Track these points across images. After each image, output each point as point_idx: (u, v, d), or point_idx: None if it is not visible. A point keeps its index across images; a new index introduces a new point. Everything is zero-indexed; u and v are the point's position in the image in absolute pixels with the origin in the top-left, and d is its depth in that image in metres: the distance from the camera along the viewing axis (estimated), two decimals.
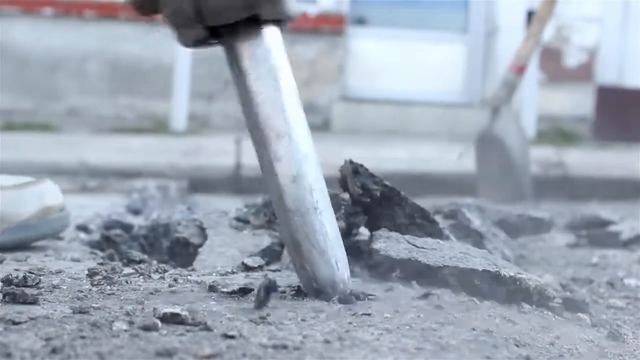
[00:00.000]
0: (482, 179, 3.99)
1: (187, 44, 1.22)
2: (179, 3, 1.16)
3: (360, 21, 8.32)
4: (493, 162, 3.93)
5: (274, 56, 1.23)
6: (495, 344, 1.03)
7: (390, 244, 1.42)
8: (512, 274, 1.35)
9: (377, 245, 1.42)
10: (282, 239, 1.21)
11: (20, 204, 1.69)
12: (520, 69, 3.96)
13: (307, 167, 1.21)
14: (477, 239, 1.80)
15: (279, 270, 1.47)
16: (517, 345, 1.04)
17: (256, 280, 1.38)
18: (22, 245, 1.64)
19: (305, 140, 1.23)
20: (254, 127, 1.22)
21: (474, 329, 1.07)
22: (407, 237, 1.45)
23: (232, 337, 1.00)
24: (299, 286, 1.29)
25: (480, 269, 1.34)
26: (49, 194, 1.74)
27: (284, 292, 1.27)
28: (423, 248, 1.40)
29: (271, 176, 1.21)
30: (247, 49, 1.21)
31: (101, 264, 1.55)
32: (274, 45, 1.24)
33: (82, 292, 1.25)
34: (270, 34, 1.24)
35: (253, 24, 1.20)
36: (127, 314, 1.09)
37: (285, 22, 1.25)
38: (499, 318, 1.21)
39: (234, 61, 1.23)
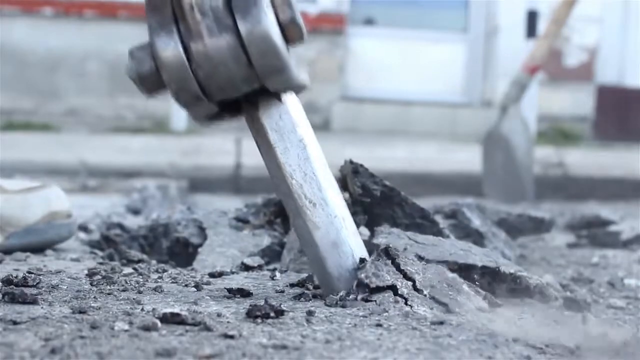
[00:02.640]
0: (488, 177, 4.00)
1: (199, 120, 1.21)
2: (183, 81, 1.14)
3: (361, 21, 8.32)
4: (498, 160, 3.95)
5: (297, 123, 1.22)
6: (495, 343, 1.02)
7: (392, 239, 1.42)
8: (511, 271, 1.35)
9: (378, 240, 1.42)
10: (324, 294, 1.21)
11: (26, 208, 1.69)
12: (533, 70, 3.97)
13: (345, 232, 1.21)
14: (477, 238, 1.80)
15: (283, 271, 1.47)
16: (517, 345, 1.04)
17: (256, 279, 1.38)
18: (28, 250, 1.64)
19: (339, 204, 1.23)
20: (288, 198, 1.22)
21: (474, 329, 1.06)
22: (408, 233, 1.45)
23: (231, 337, 1.00)
24: (299, 286, 1.29)
25: (480, 265, 1.34)
26: (55, 199, 1.74)
27: (282, 291, 1.27)
28: (423, 244, 1.40)
29: (311, 245, 1.21)
30: (267, 121, 1.21)
31: (101, 263, 1.55)
32: (293, 111, 1.22)
33: (81, 292, 1.25)
34: (286, 97, 1.22)
35: (265, 93, 1.19)
36: (127, 313, 1.09)
37: (298, 89, 1.23)
38: (499, 317, 1.21)
39: (258, 134, 1.22)
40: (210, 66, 1.13)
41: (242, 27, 1.12)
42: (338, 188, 1.26)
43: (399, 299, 1.15)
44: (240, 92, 1.16)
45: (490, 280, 1.35)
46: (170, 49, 1.14)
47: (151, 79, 1.17)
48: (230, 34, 1.12)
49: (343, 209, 1.23)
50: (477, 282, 1.32)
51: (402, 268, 1.19)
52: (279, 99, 1.21)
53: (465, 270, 1.33)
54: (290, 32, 1.16)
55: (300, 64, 1.23)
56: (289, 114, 1.22)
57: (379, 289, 1.17)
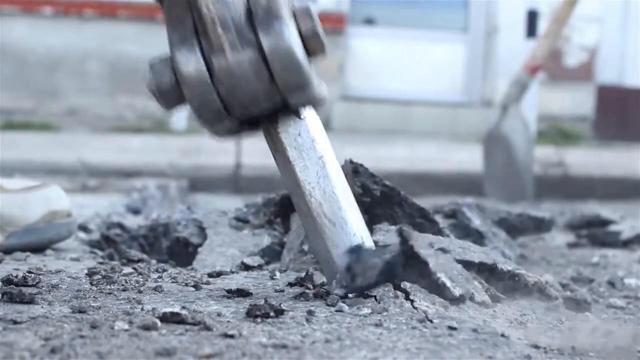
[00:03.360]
0: (488, 176, 4.00)
1: (220, 135, 1.20)
2: (205, 97, 1.12)
3: (361, 21, 8.32)
4: (498, 160, 3.95)
5: (316, 140, 1.21)
6: (496, 342, 1.02)
7: (389, 236, 1.42)
8: (509, 268, 1.35)
9: (376, 237, 1.42)
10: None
11: (26, 208, 1.69)
12: (534, 69, 3.97)
13: None
14: (477, 238, 1.80)
15: (283, 271, 1.47)
16: (518, 345, 1.04)
17: (256, 279, 1.38)
18: (28, 249, 1.64)
19: (359, 222, 1.22)
20: (307, 217, 1.21)
21: (475, 327, 1.06)
22: None
23: (231, 336, 1.00)
24: (299, 285, 1.29)
25: (477, 261, 1.34)
26: (55, 198, 1.74)
27: (282, 291, 1.27)
28: None
29: (329, 264, 1.20)
30: (286, 137, 1.19)
31: (101, 263, 1.55)
32: (312, 127, 1.21)
33: (81, 291, 1.25)
34: (305, 112, 1.21)
35: (284, 108, 1.18)
36: (127, 313, 1.09)
37: (319, 104, 1.22)
38: (500, 317, 1.21)
39: (277, 150, 1.21)
40: (233, 82, 1.12)
41: (265, 42, 1.10)
42: (357, 205, 1.25)
43: (399, 293, 1.15)
44: (261, 108, 1.15)
45: (488, 277, 1.35)
46: (192, 64, 1.12)
47: (171, 94, 1.15)
48: (252, 49, 1.11)
49: (362, 228, 1.23)
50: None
51: (415, 250, 1.19)
52: (298, 115, 1.20)
53: (464, 266, 1.33)
54: (312, 45, 1.15)
55: (319, 78, 1.22)
56: (308, 131, 1.20)
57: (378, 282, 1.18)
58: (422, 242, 1.23)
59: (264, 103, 1.14)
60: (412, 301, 1.14)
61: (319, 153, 1.20)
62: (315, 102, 1.20)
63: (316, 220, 1.19)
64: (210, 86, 1.12)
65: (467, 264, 1.34)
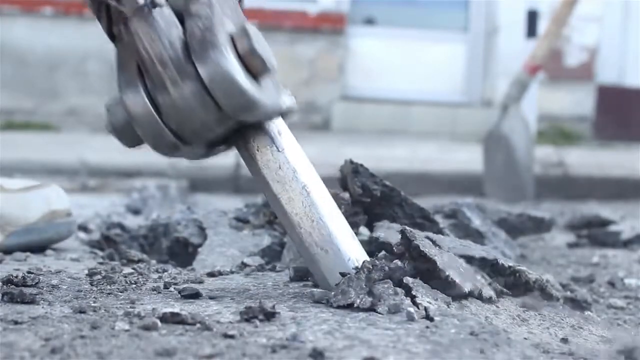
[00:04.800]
0: (488, 176, 4.00)
1: (193, 159, 1.23)
2: (157, 134, 1.15)
3: (361, 21, 8.32)
4: (499, 160, 3.95)
5: (297, 169, 1.21)
6: (496, 342, 1.02)
7: (390, 233, 1.42)
8: (510, 264, 1.35)
9: (377, 233, 1.42)
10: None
11: (26, 207, 1.69)
12: (534, 69, 3.97)
13: None
14: (477, 238, 1.80)
15: (279, 270, 1.47)
16: (519, 344, 1.03)
17: (256, 279, 1.38)
18: (28, 249, 1.64)
19: (352, 245, 1.23)
20: (300, 246, 1.22)
21: (476, 325, 1.06)
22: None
23: (231, 336, 1.00)
24: (298, 285, 1.29)
25: (478, 257, 1.34)
26: (55, 198, 1.74)
27: (282, 291, 1.27)
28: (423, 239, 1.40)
29: (326, 287, 1.21)
30: (268, 173, 1.21)
31: (101, 263, 1.55)
32: (292, 158, 1.22)
33: (81, 291, 1.25)
34: (283, 140, 1.22)
35: (254, 129, 1.20)
36: (127, 313, 1.09)
37: (282, 116, 1.23)
38: (502, 313, 1.21)
39: (260, 183, 1.23)
40: (180, 115, 1.14)
41: (203, 72, 1.12)
42: (348, 226, 1.25)
43: (399, 290, 1.15)
44: (217, 133, 1.17)
45: (489, 273, 1.35)
46: (138, 104, 1.15)
47: (128, 132, 1.18)
48: (192, 81, 1.12)
49: (357, 250, 1.23)
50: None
51: (422, 250, 1.19)
52: (275, 147, 1.21)
53: (466, 261, 1.33)
54: (251, 64, 1.15)
55: (280, 90, 1.22)
56: (288, 162, 1.21)
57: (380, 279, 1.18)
58: (426, 242, 1.23)
59: (218, 129, 1.16)
60: (413, 297, 1.14)
61: (301, 183, 1.21)
62: (272, 117, 1.21)
63: (308, 250, 1.21)
64: (159, 123, 1.15)
65: (469, 260, 1.34)
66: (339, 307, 1.14)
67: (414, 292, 1.15)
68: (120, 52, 1.18)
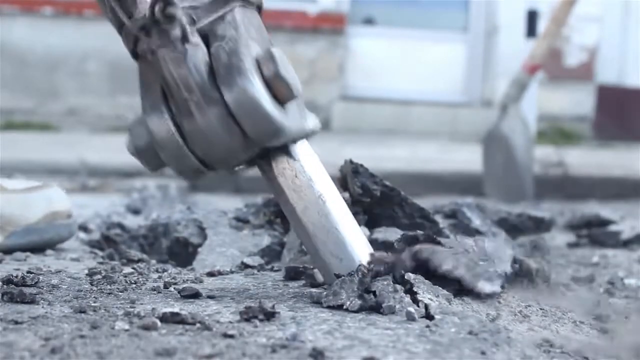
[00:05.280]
0: (488, 176, 4.00)
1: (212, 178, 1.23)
2: (181, 159, 1.14)
3: (361, 21, 8.32)
4: (498, 160, 3.95)
5: (313, 178, 1.21)
6: (496, 341, 1.02)
7: (388, 234, 1.42)
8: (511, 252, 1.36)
9: (375, 235, 1.42)
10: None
11: (27, 208, 1.69)
12: (533, 69, 3.97)
13: None
14: None
15: (279, 270, 1.47)
16: (519, 344, 1.03)
17: (256, 279, 1.38)
18: (28, 249, 1.64)
19: (365, 251, 1.22)
20: (314, 256, 1.22)
21: (476, 323, 1.06)
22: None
23: (231, 336, 1.00)
24: (298, 285, 1.29)
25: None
26: (56, 199, 1.74)
27: (282, 291, 1.27)
28: None
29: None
30: (283, 181, 1.20)
31: (101, 263, 1.55)
32: (308, 166, 1.22)
33: (81, 291, 1.25)
34: (299, 149, 1.22)
35: (275, 150, 1.19)
36: (127, 313, 1.09)
37: (305, 138, 1.22)
38: (504, 309, 1.21)
39: (276, 193, 1.22)
40: (205, 141, 1.13)
41: (228, 97, 1.11)
42: (363, 235, 1.25)
43: (399, 287, 1.15)
44: (241, 160, 1.16)
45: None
46: (163, 130, 1.14)
47: (151, 155, 1.17)
48: (218, 107, 1.11)
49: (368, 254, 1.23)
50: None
51: (443, 271, 1.18)
52: (291, 156, 1.20)
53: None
54: (278, 89, 1.13)
55: (304, 113, 1.21)
56: (304, 171, 1.20)
57: (379, 275, 1.18)
58: (441, 256, 1.21)
59: (242, 155, 1.15)
60: (414, 293, 1.14)
61: (317, 192, 1.20)
62: (297, 140, 1.20)
63: (323, 259, 1.20)
64: (183, 148, 1.14)
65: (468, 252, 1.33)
66: (329, 307, 1.14)
67: (415, 289, 1.14)
68: (144, 72, 1.16)
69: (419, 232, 1.27)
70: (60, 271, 1.42)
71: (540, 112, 5.99)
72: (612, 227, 2.43)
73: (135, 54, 1.17)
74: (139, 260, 1.58)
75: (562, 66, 8.02)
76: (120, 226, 2.00)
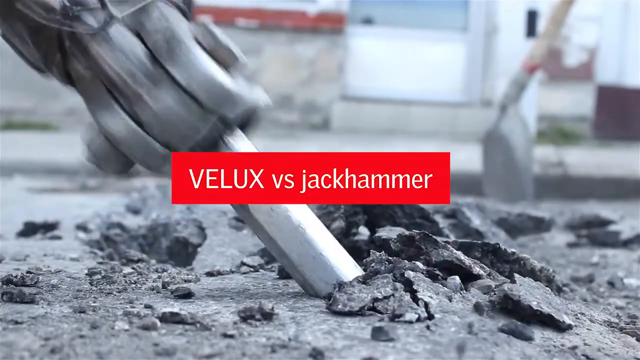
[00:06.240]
0: (487, 176, 4.00)
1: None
2: (145, 147, 1.14)
3: (360, 20, 8.32)
4: (498, 160, 3.95)
5: (289, 209, 1.20)
6: (496, 341, 1.02)
7: (392, 234, 1.42)
8: (513, 250, 1.35)
9: (379, 234, 1.42)
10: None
11: None
12: (532, 69, 3.97)
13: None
14: (477, 238, 1.80)
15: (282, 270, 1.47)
16: (519, 342, 1.03)
17: (255, 279, 1.38)
18: None
19: (353, 270, 1.22)
20: (304, 284, 1.23)
21: (475, 326, 1.06)
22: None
23: (231, 336, 1.00)
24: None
25: (480, 242, 1.35)
26: None
27: (282, 291, 1.27)
28: None
29: None
30: (260, 216, 1.20)
31: (100, 263, 1.55)
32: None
33: (81, 291, 1.25)
34: None
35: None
36: (127, 313, 1.09)
37: (259, 109, 1.21)
38: (501, 313, 1.20)
39: (255, 228, 1.23)
40: (164, 123, 1.13)
41: (177, 75, 1.12)
42: (348, 256, 1.25)
43: (398, 285, 1.15)
44: (203, 133, 1.15)
45: (493, 259, 1.35)
46: (120, 125, 1.13)
47: (113, 159, 1.17)
48: (169, 87, 1.12)
49: (355, 272, 1.23)
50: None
51: (537, 310, 1.16)
52: (247, 131, 1.21)
53: (467, 248, 1.33)
54: (220, 56, 1.14)
55: (253, 86, 1.21)
56: (279, 204, 1.20)
57: (377, 272, 1.17)
58: (528, 295, 1.17)
59: (202, 127, 1.15)
60: (414, 292, 1.13)
61: (295, 221, 1.20)
62: (251, 110, 1.19)
63: (314, 286, 1.21)
64: (145, 137, 1.14)
65: (470, 246, 1.34)
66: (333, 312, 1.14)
67: (415, 287, 1.14)
68: (83, 89, 1.17)
69: (415, 232, 1.27)
70: (59, 271, 1.42)
71: (540, 112, 6.00)
72: (612, 227, 2.43)
73: (68, 77, 1.17)
74: (139, 260, 1.58)
75: (561, 66, 8.03)
76: (120, 226, 2.00)
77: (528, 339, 1.05)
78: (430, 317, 1.09)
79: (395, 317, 1.09)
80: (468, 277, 1.22)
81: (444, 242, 1.28)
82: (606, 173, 4.71)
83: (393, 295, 1.13)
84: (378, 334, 1.01)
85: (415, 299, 1.12)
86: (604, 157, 5.64)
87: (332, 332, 1.03)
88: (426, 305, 1.11)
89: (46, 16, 1.12)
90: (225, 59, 1.15)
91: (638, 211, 3.35)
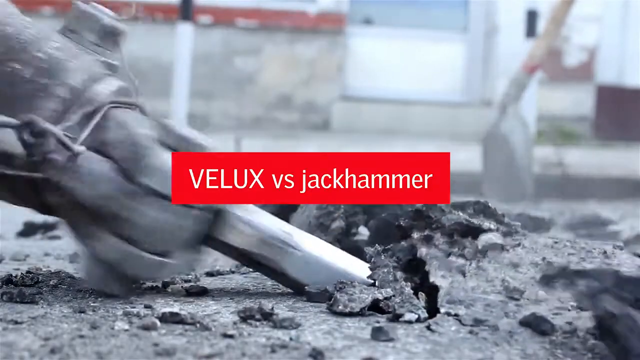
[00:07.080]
0: (487, 176, 4.00)
1: (184, 271, 1.31)
2: (143, 264, 1.16)
3: (360, 21, 8.32)
4: (498, 160, 3.95)
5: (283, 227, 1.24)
6: (496, 341, 1.02)
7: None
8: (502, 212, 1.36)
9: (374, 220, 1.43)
10: None
11: None
12: (532, 69, 3.97)
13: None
14: None
15: None
16: (519, 343, 1.03)
17: (255, 279, 1.38)
18: None
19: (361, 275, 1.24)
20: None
21: (474, 326, 1.06)
22: None
23: (231, 336, 1.00)
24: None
25: (472, 200, 1.35)
26: None
27: (282, 291, 1.27)
28: None
29: None
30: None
31: None
32: (264, 220, 1.25)
33: (81, 291, 1.25)
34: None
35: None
36: (127, 313, 1.09)
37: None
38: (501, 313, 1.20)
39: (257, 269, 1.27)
40: (154, 234, 1.15)
41: (152, 185, 1.14)
42: (352, 257, 1.27)
43: (399, 275, 1.14)
44: (194, 230, 1.18)
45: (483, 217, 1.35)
46: (112, 250, 1.15)
47: (116, 279, 1.18)
48: (148, 198, 1.14)
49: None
50: None
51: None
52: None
53: (460, 208, 1.33)
54: (188, 149, 1.18)
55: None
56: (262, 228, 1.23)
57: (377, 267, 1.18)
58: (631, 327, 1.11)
59: (193, 224, 1.18)
60: (426, 273, 1.13)
61: (293, 243, 1.23)
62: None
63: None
64: (142, 255, 1.16)
65: (462, 206, 1.34)
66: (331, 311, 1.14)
67: (427, 267, 1.14)
68: (66, 218, 1.18)
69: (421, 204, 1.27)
70: (60, 271, 1.42)
71: (540, 112, 6.00)
72: (612, 227, 2.43)
73: (47, 208, 1.18)
74: None
75: (561, 66, 8.02)
76: None
77: (543, 333, 1.05)
78: (436, 310, 1.09)
79: (395, 318, 1.09)
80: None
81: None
82: (606, 173, 4.71)
83: (393, 288, 1.13)
84: (378, 334, 1.01)
85: (416, 293, 1.13)
86: (604, 157, 5.64)
87: (332, 332, 1.03)
88: (436, 288, 1.11)
89: (9, 166, 1.12)
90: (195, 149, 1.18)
91: (638, 211, 3.34)
